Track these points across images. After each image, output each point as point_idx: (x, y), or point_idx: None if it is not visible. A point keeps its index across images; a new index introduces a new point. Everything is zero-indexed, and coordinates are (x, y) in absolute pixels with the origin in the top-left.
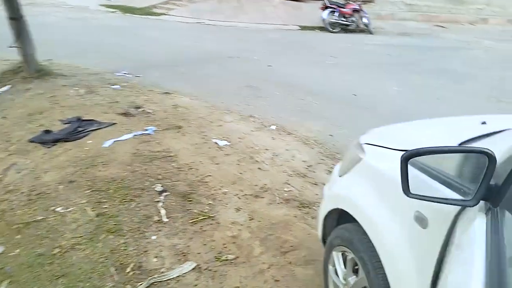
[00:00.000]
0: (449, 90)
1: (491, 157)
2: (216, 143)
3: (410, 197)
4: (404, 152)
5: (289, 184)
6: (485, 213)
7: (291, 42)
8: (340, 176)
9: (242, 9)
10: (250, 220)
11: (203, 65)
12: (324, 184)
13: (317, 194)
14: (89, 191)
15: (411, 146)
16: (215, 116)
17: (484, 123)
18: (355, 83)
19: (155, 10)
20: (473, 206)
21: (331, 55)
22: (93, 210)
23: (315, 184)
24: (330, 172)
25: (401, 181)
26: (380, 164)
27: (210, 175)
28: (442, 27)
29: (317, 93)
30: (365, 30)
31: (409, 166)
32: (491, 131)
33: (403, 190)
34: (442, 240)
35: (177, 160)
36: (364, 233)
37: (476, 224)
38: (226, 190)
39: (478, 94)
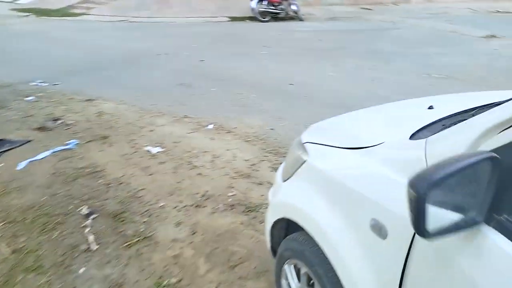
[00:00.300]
0: (382, 70)
1: (495, 161)
2: (148, 151)
3: (429, 238)
4: (412, 181)
5: (232, 187)
6: (489, 224)
7: (222, 34)
8: (284, 181)
9: (168, 3)
10: (192, 234)
11: (130, 65)
12: (269, 184)
13: (263, 195)
14: (2, 224)
15: (357, 143)
16: (145, 121)
17: (431, 107)
18: (290, 72)
19: (73, 11)
20: (481, 222)
21: (264, 45)
22: (7, 247)
23: (260, 184)
24: (274, 169)
25: (415, 220)
26: (325, 165)
27: (143, 188)
28: (368, 9)
29: (253, 85)
30: (295, 17)
31: None
32: (440, 116)
33: (419, 231)
34: (405, 252)
35: (104, 175)
36: (317, 244)
37: (492, 238)
38: (163, 203)
39: (409, 72)
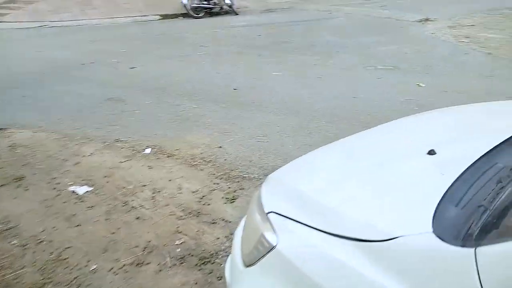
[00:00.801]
0: (327, 65)
1: None
2: (73, 191)
3: None
4: None
5: (180, 232)
6: None
7: (154, 35)
8: (246, 266)
9: (91, 4)
10: None
11: (49, 80)
12: (224, 222)
13: (218, 238)
14: None
15: (353, 228)
16: (69, 151)
17: (432, 152)
18: (232, 73)
19: None
20: None
21: (200, 44)
22: None
23: (214, 223)
24: (228, 200)
25: None
26: (309, 265)
27: (69, 246)
28: None
29: (193, 93)
30: (230, 11)
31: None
32: (454, 171)
33: None
34: None
35: (19, 232)
36: None
37: None
38: (95, 266)
39: (354, 65)
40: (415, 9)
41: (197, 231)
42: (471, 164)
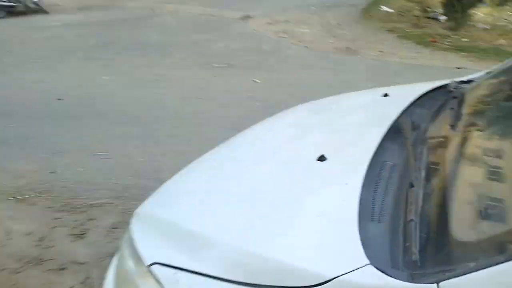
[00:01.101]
0: (161, 66)
1: None
2: None
3: None
4: None
5: None
6: None
7: None
8: None
9: None
10: None
11: None
12: (77, 265)
13: (72, 287)
14: None
15: (264, 271)
16: None
17: (322, 158)
18: (53, 81)
19: None
20: None
21: (6, 49)
22: None
23: (63, 269)
24: (76, 236)
25: None
26: None
27: None
28: None
29: (6, 109)
30: (38, 9)
31: None
32: (356, 184)
33: None
34: None
35: None
36: None
37: None
38: None
39: (190, 64)
40: (234, 6)
41: (42, 284)
42: (368, 168)
